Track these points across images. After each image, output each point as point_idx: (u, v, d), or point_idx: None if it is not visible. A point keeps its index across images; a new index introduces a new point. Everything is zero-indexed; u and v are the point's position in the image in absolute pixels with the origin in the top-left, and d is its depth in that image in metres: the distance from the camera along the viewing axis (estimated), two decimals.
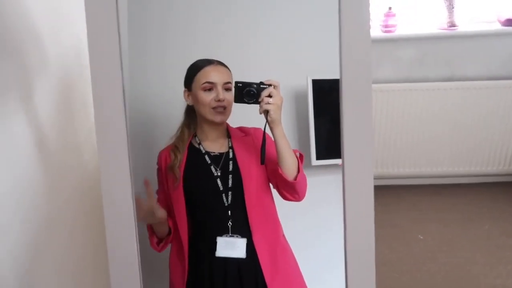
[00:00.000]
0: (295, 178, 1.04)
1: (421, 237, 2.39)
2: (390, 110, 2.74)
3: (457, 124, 2.77)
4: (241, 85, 1.03)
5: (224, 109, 1.06)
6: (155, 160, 1.11)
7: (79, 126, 1.17)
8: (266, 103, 1.01)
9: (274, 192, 1.10)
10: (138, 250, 0.67)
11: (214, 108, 1.05)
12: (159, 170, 1.11)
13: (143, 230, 1.08)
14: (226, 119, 1.08)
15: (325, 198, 1.19)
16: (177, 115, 1.11)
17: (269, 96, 1.01)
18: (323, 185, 1.14)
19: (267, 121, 1.02)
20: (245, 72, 1.13)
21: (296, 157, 1.05)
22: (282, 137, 1.03)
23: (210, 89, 1.05)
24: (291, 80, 1.32)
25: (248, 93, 1.02)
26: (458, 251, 2.27)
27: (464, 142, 2.82)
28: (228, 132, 1.12)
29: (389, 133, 2.79)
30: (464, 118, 2.76)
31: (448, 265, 2.15)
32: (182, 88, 1.09)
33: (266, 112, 1.01)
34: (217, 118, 1.07)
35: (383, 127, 2.78)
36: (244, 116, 1.10)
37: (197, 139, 1.10)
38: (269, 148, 1.04)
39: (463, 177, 2.94)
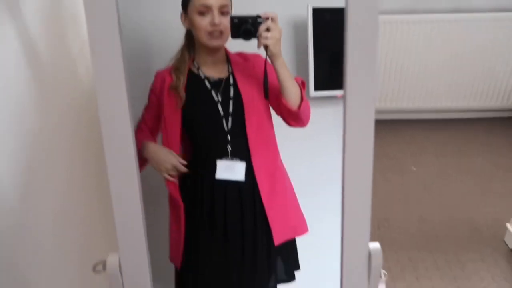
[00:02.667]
0: (299, 107, 1.04)
1: (414, 169, 2.46)
2: (391, 42, 2.69)
3: (458, 58, 2.74)
4: (237, 21, 0.99)
5: (220, 34, 1.03)
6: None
7: (71, 43, 1.14)
8: (264, 38, 0.98)
9: (274, 118, 1.12)
10: (138, 174, 0.68)
11: (210, 32, 1.02)
12: (152, 90, 1.11)
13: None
14: (223, 43, 1.06)
15: (323, 129, 1.21)
16: (172, 42, 1.09)
17: (267, 30, 0.98)
18: (320, 117, 1.15)
19: (267, 54, 1.00)
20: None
21: (298, 85, 1.05)
22: (284, 68, 1.01)
23: (205, 13, 1.01)
24: (290, 8, 1.28)
25: (245, 31, 0.99)
26: (451, 182, 2.35)
27: (464, 76, 2.80)
28: (228, 57, 1.10)
29: (388, 66, 2.76)
30: (466, 51, 2.72)
31: (442, 196, 2.24)
32: (177, 16, 1.06)
33: (265, 47, 0.99)
34: (213, 43, 1.04)
35: (383, 60, 2.74)
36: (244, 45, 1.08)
37: (195, 63, 1.09)
38: (270, 77, 1.04)
39: (461, 112, 2.96)
